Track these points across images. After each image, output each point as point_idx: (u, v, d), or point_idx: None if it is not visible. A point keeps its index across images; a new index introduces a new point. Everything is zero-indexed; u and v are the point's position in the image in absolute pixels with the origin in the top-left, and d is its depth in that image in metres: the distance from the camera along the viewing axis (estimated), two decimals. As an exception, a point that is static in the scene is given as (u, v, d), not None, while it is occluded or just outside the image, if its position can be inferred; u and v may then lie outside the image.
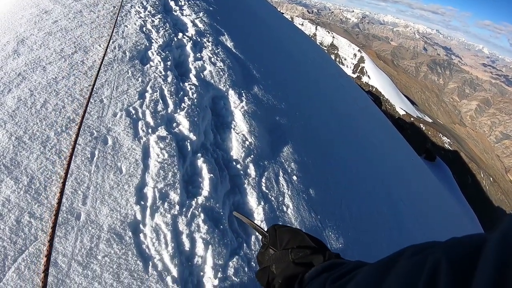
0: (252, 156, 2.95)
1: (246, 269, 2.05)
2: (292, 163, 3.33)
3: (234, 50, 4.95)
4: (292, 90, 5.51)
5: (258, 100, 3.93)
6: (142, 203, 2.06)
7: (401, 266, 0.52)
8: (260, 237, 1.43)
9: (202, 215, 2.13)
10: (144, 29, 4.20)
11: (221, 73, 3.93)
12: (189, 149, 2.61)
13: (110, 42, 3.60)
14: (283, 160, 3.29)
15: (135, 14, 4.54)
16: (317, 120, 5.34)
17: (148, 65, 3.49)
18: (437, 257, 0.45)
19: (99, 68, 3.06)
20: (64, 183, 1.75)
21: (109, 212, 1.93)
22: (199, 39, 4.59)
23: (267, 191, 2.72)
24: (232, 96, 3.64)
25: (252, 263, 2.14)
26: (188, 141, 2.69)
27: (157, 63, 3.56)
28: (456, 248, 0.44)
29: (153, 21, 4.48)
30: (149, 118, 2.75)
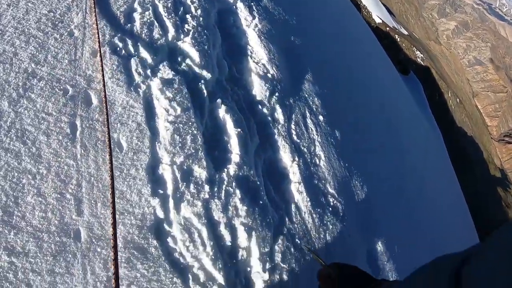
0: (277, 93, 2.35)
1: (292, 249, 1.65)
2: (315, 98, 2.78)
3: None
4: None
5: (270, 15, 3.15)
6: (161, 191, 1.46)
7: None
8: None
9: (237, 191, 1.59)
10: None
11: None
12: (205, 94, 1.91)
13: None
14: (306, 95, 2.73)
15: None
16: (326, 40, 4.62)
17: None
18: None
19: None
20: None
21: (117, 218, 1.31)
22: None
23: (298, 141, 2.21)
24: (242, 11, 2.83)
25: (297, 240, 1.73)
26: (202, 81, 1.98)
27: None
28: None
29: None
30: (144, 53, 1.93)
